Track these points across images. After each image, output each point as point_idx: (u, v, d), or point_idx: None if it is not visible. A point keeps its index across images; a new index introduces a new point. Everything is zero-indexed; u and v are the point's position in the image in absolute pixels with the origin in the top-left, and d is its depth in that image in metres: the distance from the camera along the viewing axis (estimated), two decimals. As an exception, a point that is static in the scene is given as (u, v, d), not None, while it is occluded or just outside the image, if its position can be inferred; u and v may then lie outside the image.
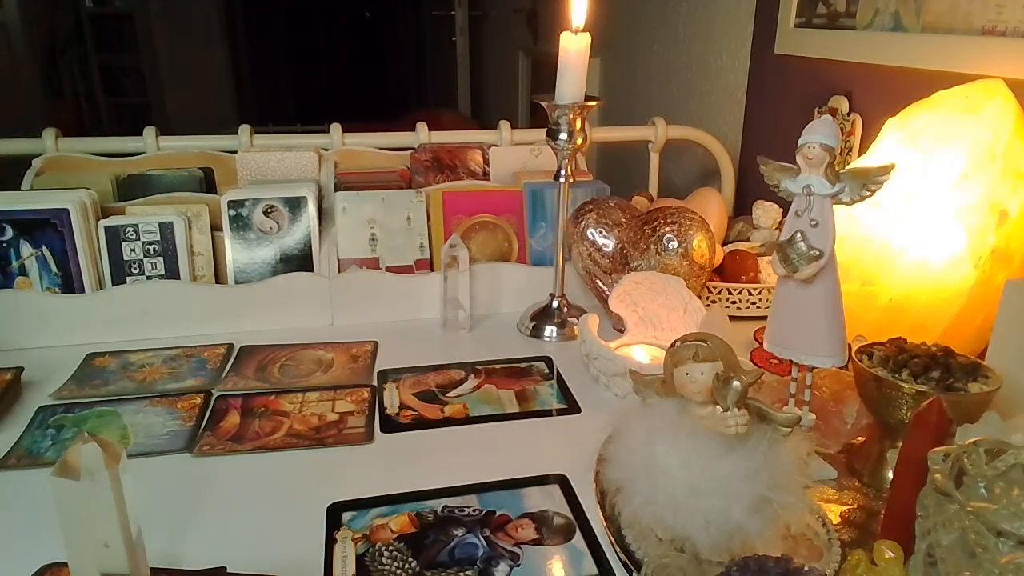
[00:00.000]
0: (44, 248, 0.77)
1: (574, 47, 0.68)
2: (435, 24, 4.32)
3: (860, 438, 0.57)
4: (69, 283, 0.77)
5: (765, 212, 0.92)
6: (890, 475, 0.50)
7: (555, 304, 0.80)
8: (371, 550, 0.46)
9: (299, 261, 0.83)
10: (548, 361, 0.74)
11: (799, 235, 0.49)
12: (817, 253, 0.48)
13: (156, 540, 0.47)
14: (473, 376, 0.70)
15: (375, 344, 0.76)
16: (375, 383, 0.69)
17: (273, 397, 0.65)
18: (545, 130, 0.73)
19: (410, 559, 0.46)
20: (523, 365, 0.73)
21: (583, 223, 0.80)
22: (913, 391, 0.49)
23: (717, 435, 0.39)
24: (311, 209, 0.83)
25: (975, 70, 0.70)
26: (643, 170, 1.18)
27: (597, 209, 0.80)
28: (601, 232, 0.79)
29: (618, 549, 0.45)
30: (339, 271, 0.83)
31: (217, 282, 0.82)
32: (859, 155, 0.85)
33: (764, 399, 0.41)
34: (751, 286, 0.81)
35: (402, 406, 0.65)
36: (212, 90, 4.75)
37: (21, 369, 0.66)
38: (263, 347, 0.75)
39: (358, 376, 0.70)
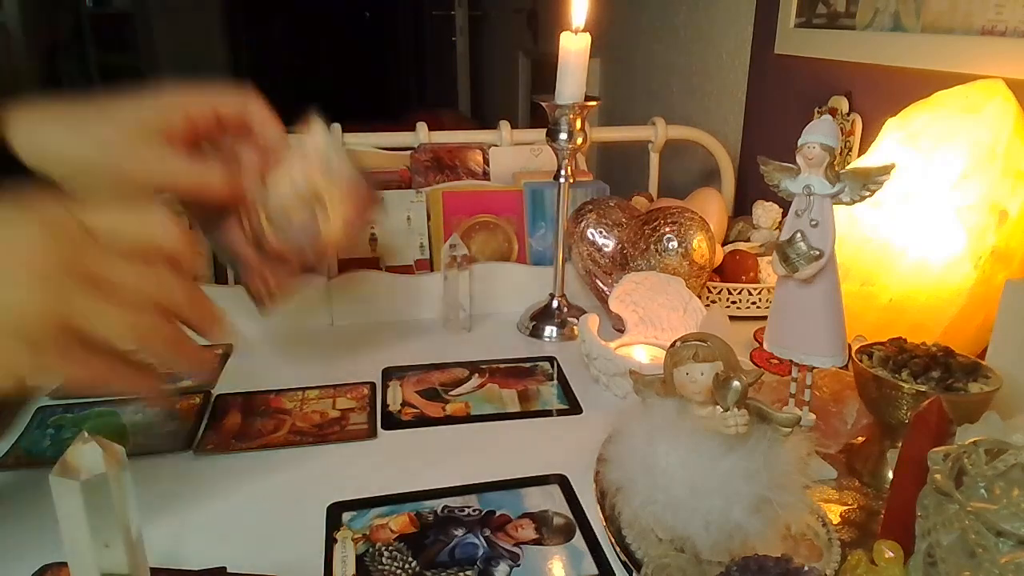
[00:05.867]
0: (44, 248, 0.76)
1: (574, 47, 0.68)
2: (435, 24, 4.32)
3: (860, 438, 0.57)
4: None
5: (765, 212, 0.92)
6: (890, 475, 0.50)
7: (555, 304, 0.80)
8: (371, 550, 0.46)
9: (299, 261, 0.83)
10: (552, 361, 0.74)
11: (799, 235, 0.49)
12: (817, 253, 0.48)
13: (156, 540, 0.47)
14: (477, 375, 0.70)
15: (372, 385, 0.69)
16: (378, 380, 0.69)
17: (273, 395, 0.65)
18: (545, 130, 0.73)
19: (410, 559, 0.46)
20: (527, 365, 0.73)
21: (583, 223, 0.80)
22: (913, 391, 0.49)
23: (717, 435, 0.39)
24: (311, 209, 0.83)
25: (975, 70, 0.70)
26: (643, 170, 1.18)
27: (597, 209, 0.80)
28: (601, 232, 0.79)
29: (618, 549, 0.45)
30: (339, 271, 0.83)
31: (217, 282, 0.82)
32: (859, 155, 0.85)
33: (764, 399, 0.41)
34: (751, 286, 0.81)
35: (404, 403, 0.65)
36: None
37: None
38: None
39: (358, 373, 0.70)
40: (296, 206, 0.56)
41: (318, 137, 0.57)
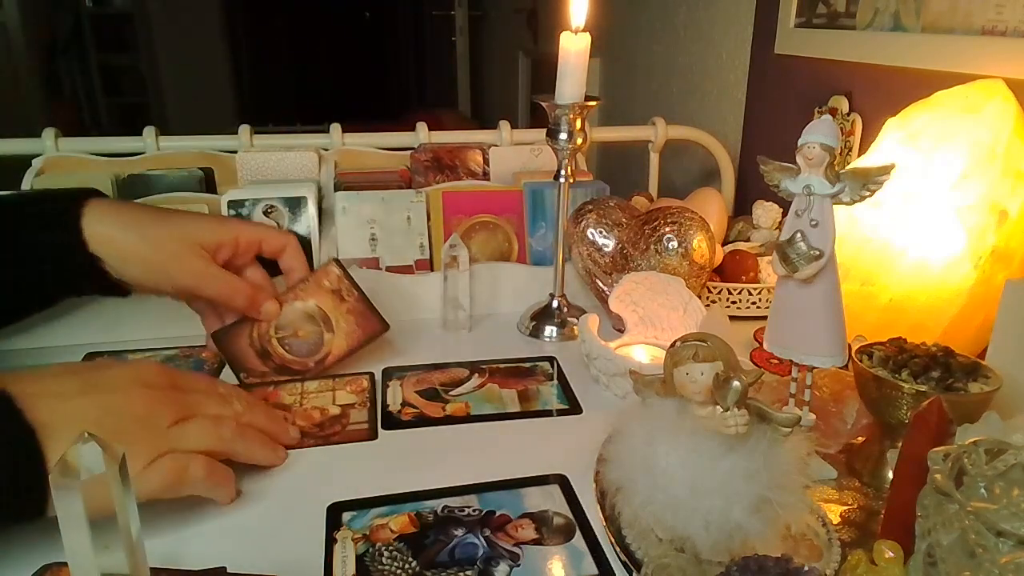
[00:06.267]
0: (44, 248, 0.77)
1: (574, 47, 0.68)
2: (435, 24, 4.33)
3: (860, 438, 0.57)
4: (69, 283, 0.77)
5: (765, 212, 0.92)
6: (890, 475, 0.50)
7: (555, 304, 0.80)
8: (371, 550, 0.46)
9: (299, 261, 0.83)
10: (552, 361, 0.74)
11: (799, 235, 0.49)
12: (817, 253, 0.48)
13: (156, 540, 0.47)
14: (477, 375, 0.70)
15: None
16: (378, 380, 0.69)
17: (272, 388, 0.65)
18: (545, 130, 0.73)
19: (410, 559, 0.46)
20: (527, 365, 0.73)
21: (583, 223, 0.80)
22: (913, 391, 0.49)
23: (717, 435, 0.39)
24: (311, 209, 0.83)
25: (975, 70, 0.70)
26: (643, 170, 1.18)
27: (597, 209, 0.80)
28: (601, 232, 0.79)
29: (618, 549, 0.45)
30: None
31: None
32: (859, 155, 0.85)
33: (764, 399, 0.41)
34: (751, 286, 0.81)
35: (404, 403, 0.65)
36: (212, 90, 4.75)
37: None
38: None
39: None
40: (303, 322, 0.68)
41: (333, 273, 0.69)
